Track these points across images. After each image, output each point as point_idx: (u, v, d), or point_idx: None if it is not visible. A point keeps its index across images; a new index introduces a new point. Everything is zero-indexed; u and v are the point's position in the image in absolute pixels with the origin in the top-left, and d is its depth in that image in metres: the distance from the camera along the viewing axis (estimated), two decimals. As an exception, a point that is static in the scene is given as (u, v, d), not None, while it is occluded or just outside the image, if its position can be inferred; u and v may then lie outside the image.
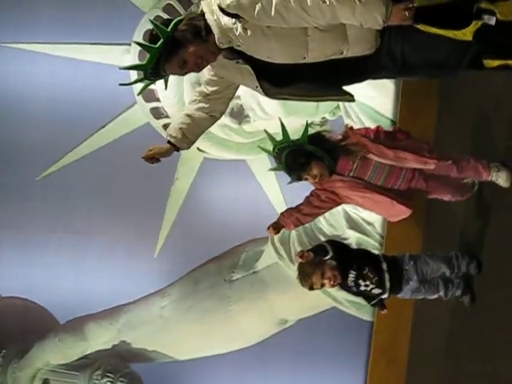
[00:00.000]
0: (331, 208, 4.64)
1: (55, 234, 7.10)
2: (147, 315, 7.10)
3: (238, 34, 3.51)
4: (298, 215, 4.50)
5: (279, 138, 4.38)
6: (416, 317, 5.96)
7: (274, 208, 6.84)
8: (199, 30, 3.59)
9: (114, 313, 7.16)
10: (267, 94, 3.72)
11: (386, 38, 3.56)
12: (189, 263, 7.09)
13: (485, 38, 3.43)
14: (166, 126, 6.78)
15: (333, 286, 4.52)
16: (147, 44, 3.59)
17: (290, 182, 4.44)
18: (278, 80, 3.64)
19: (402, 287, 4.63)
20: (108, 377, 6.98)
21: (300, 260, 4.49)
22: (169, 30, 3.55)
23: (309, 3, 3.36)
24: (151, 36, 3.62)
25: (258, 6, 3.40)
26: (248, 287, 6.98)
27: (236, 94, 6.25)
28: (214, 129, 6.41)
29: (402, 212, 4.49)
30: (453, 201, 4.77)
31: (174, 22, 3.58)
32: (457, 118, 5.61)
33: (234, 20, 3.49)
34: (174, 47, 3.56)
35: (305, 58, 3.54)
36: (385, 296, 4.61)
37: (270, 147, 4.47)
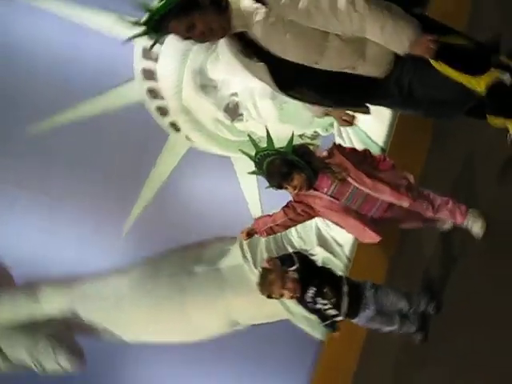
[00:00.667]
0: (305, 221, 4.64)
1: (26, 192, 7.05)
2: (104, 291, 7.06)
3: (256, 19, 3.45)
4: (271, 225, 4.48)
5: (264, 143, 4.37)
6: (367, 344, 5.98)
7: (249, 209, 6.84)
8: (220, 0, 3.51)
9: (72, 281, 7.12)
10: (282, 90, 3.69)
11: (398, 66, 3.56)
12: (155, 247, 7.07)
13: (496, 94, 3.42)
14: (159, 108, 6.78)
15: (291, 297, 4.52)
16: None
17: (269, 187, 4.44)
18: (281, 79, 3.62)
19: (359, 313, 4.63)
20: (51, 343, 6.95)
21: (266, 266, 4.49)
22: None
23: (340, 7, 3.32)
24: None
25: None
26: (207, 282, 6.97)
27: (233, 91, 6.24)
28: (206, 121, 6.41)
29: (371, 238, 4.49)
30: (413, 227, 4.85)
31: None
32: (446, 158, 5.63)
33: (256, 5, 3.43)
34: (188, 7, 3.44)
35: (317, 63, 3.51)
36: (339, 318, 4.62)
37: (252, 152, 4.41)
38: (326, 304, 4.52)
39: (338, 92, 3.67)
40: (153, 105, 6.80)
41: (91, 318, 7.11)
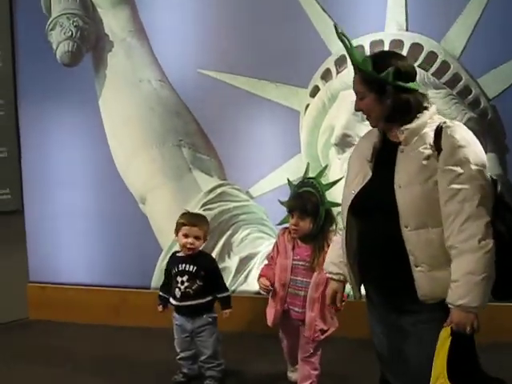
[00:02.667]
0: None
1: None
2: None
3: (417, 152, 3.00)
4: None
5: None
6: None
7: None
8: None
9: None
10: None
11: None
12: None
13: None
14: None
15: (183, 244, 4.58)
16: None
17: (283, 203, 4.42)
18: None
19: None
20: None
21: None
22: None
23: (468, 222, 2.85)
24: None
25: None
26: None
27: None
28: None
29: (269, 317, 4.43)
30: None
31: None
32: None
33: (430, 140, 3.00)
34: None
35: (406, 227, 2.97)
36: (172, 301, 4.66)
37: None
38: (182, 284, 4.58)
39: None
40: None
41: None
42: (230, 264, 5.83)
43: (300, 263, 4.31)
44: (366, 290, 3.26)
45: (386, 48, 5.32)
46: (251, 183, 5.84)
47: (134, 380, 4.92)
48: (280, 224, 4.56)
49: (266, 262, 4.62)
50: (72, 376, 5.04)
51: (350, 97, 5.42)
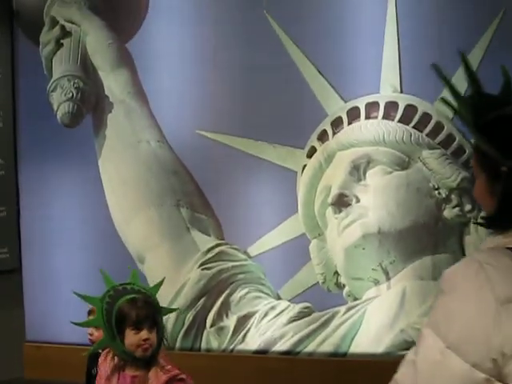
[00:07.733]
0: None
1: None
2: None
3: None
4: None
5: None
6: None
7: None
8: None
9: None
10: None
11: None
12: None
13: None
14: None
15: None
16: None
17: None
18: None
19: None
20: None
21: None
22: None
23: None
24: None
25: None
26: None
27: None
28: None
29: None
30: None
31: None
32: None
33: None
34: None
35: None
36: None
37: None
38: None
39: None
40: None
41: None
42: (228, 323, 5.80)
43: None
44: None
45: (381, 111, 5.43)
46: (249, 243, 5.87)
47: None
48: (82, 325, 3.61)
49: None
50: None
51: (347, 157, 5.70)
